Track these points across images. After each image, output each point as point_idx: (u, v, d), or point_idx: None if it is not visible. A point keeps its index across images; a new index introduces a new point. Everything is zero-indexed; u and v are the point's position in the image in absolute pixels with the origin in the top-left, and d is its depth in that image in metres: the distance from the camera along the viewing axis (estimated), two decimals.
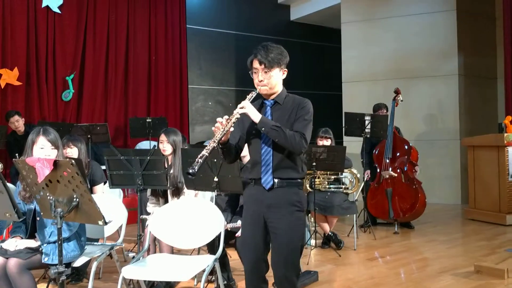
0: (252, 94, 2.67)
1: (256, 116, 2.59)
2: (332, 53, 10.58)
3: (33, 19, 7.86)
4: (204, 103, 9.92)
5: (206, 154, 2.46)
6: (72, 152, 4.25)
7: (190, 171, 2.42)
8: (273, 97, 2.73)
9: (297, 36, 10.44)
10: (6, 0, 7.62)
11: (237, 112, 2.56)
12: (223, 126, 2.51)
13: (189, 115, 9.64)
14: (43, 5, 7.92)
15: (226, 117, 2.54)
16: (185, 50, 9.49)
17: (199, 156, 2.45)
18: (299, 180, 2.72)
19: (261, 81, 2.66)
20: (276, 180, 2.65)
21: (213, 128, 2.53)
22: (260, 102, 2.76)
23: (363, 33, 8.95)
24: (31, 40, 7.85)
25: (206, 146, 2.50)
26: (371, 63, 8.84)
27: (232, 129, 2.54)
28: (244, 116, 2.60)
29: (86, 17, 8.34)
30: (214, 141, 2.49)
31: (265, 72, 2.65)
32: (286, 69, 2.73)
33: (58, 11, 8.06)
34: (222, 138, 2.53)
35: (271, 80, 2.66)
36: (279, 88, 2.73)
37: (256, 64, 2.67)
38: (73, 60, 8.27)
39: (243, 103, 2.59)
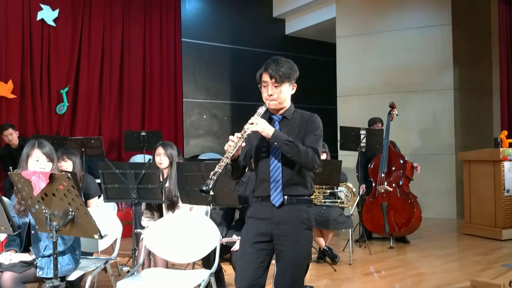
0: (262, 109, 2.60)
1: (268, 131, 2.53)
2: (327, 67, 10.65)
3: (28, 32, 7.86)
4: (199, 116, 9.93)
5: (219, 170, 2.42)
6: (67, 165, 4.22)
7: (204, 188, 2.37)
8: (281, 112, 2.68)
9: (292, 50, 10.47)
10: (1, 13, 7.62)
11: (248, 128, 2.50)
12: (235, 142, 2.47)
13: (183, 128, 9.61)
14: (38, 18, 7.93)
15: (238, 134, 2.49)
16: (180, 64, 9.51)
17: (212, 173, 2.41)
18: (308, 197, 2.67)
19: (271, 95, 2.60)
20: (285, 197, 2.58)
21: (225, 147, 2.49)
22: (267, 117, 2.67)
23: (358, 47, 9.00)
24: (25, 53, 7.84)
25: (219, 162, 2.46)
26: (366, 77, 8.88)
27: (243, 144, 2.51)
28: (253, 131, 2.54)
29: (81, 30, 8.35)
30: (227, 157, 2.45)
31: (275, 86, 2.59)
32: (295, 84, 2.68)
33: (53, 24, 8.07)
34: (234, 154, 2.49)
35: (281, 95, 2.61)
36: (287, 103, 2.68)
37: (266, 77, 2.60)
38: (68, 73, 8.26)
39: (254, 119, 2.53)
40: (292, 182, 2.60)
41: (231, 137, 2.50)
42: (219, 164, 2.44)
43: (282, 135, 2.54)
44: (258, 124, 2.52)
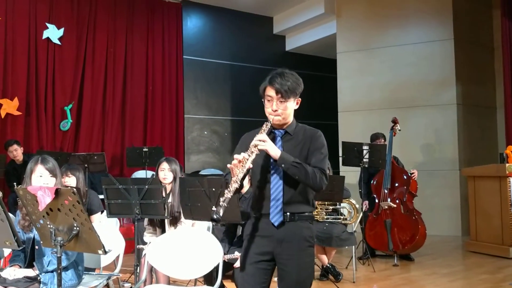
0: (267, 126, 2.48)
1: (275, 152, 2.42)
2: (327, 83, 10.68)
3: (33, 50, 7.98)
4: (200, 132, 9.96)
5: (229, 196, 2.31)
6: (70, 181, 4.24)
7: (215, 217, 2.25)
8: (284, 127, 2.57)
9: (292, 66, 10.32)
10: (8, 31, 7.75)
11: (255, 147, 2.38)
12: (242, 163, 2.35)
13: (184, 144, 9.65)
14: (44, 36, 8.05)
15: (245, 155, 2.36)
16: (181, 80, 9.59)
17: (222, 200, 2.29)
18: (310, 214, 2.58)
19: (276, 110, 2.49)
20: (287, 214, 2.48)
21: (229, 165, 2.38)
22: (269, 131, 2.53)
23: (359, 62, 9.00)
24: (31, 70, 7.95)
25: (228, 186, 2.34)
26: (367, 93, 8.87)
27: (251, 166, 2.38)
28: (260, 150, 2.41)
29: (85, 48, 8.46)
30: (236, 181, 2.31)
31: (281, 101, 2.48)
32: (300, 99, 2.57)
33: (58, 42, 8.18)
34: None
35: (286, 111, 2.50)
36: (291, 118, 2.57)
37: (271, 92, 2.49)
38: (72, 90, 8.35)
39: (261, 137, 2.41)
40: (294, 200, 2.51)
41: (236, 155, 2.39)
42: (229, 189, 2.32)
43: (289, 157, 2.43)
44: (266, 143, 2.41)
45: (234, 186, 2.32)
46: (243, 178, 2.40)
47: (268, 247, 2.52)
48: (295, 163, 2.42)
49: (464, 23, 8.56)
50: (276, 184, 2.50)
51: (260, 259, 2.53)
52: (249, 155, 2.37)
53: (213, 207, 3.58)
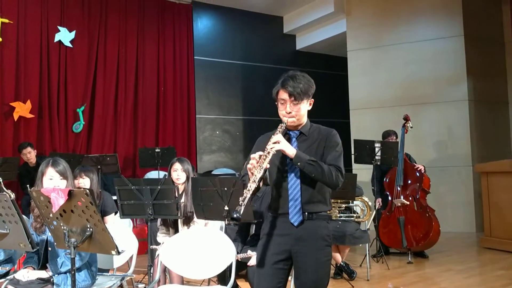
0: (282, 127, 2.52)
1: (291, 151, 2.46)
2: (338, 81, 10.65)
3: (45, 54, 8.04)
4: (212, 132, 9.98)
5: (248, 195, 2.35)
6: (84, 182, 4.26)
7: (235, 216, 2.30)
8: (298, 128, 2.62)
9: (303, 65, 10.43)
10: (20, 35, 7.81)
11: (272, 148, 2.41)
12: (259, 163, 2.39)
13: (196, 144, 9.68)
14: (56, 39, 8.10)
15: (260, 153, 2.42)
16: (192, 81, 9.62)
17: (241, 199, 2.34)
18: (326, 213, 2.61)
19: (290, 112, 2.53)
20: (306, 213, 2.52)
21: (249, 166, 2.41)
22: (284, 133, 2.57)
23: (370, 60, 8.98)
24: (43, 73, 8.01)
25: (246, 187, 2.39)
26: (378, 90, 8.84)
27: (268, 166, 2.41)
28: (277, 150, 2.46)
29: (96, 50, 8.51)
30: (254, 181, 2.35)
31: (294, 104, 2.52)
32: (312, 99, 2.61)
33: (70, 45, 8.23)
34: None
35: (300, 112, 2.55)
36: (305, 119, 2.62)
37: (284, 95, 2.53)
38: (84, 92, 8.40)
39: (277, 138, 2.45)
40: (312, 200, 2.54)
41: (252, 155, 2.43)
42: (248, 189, 2.37)
43: (304, 155, 2.47)
44: (281, 143, 2.45)
45: (252, 186, 2.36)
46: (261, 179, 2.44)
47: (286, 245, 2.55)
48: (311, 161, 2.46)
49: (474, 19, 8.50)
50: (293, 184, 2.54)
51: (278, 258, 2.56)
52: (266, 156, 2.41)
53: (225, 206, 3.67)
